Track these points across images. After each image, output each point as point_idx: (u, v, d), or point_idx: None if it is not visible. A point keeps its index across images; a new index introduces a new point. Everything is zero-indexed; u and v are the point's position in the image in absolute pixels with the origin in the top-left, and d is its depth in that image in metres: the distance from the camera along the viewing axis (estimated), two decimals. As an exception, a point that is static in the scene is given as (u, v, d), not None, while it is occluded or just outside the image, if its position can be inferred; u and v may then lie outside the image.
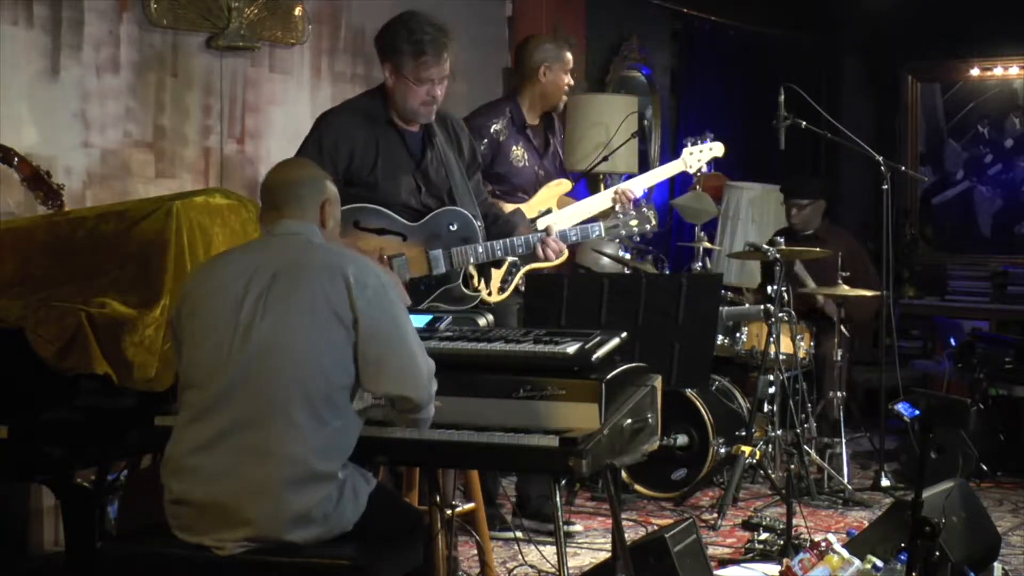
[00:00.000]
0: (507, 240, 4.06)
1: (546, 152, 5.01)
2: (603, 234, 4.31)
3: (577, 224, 4.40)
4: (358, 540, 2.72)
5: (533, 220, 4.59)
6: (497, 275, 4.52)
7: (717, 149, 5.14)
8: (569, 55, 5.04)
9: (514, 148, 4.88)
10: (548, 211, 4.71)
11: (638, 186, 4.92)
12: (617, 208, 4.70)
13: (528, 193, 4.85)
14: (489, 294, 4.42)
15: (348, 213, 3.85)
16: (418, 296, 3.91)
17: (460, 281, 4.00)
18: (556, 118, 5.13)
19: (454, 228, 3.99)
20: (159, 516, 2.78)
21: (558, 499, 3.03)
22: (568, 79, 5.00)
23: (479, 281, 4.11)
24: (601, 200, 4.83)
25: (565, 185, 4.90)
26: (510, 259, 4.42)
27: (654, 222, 4.35)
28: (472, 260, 4.00)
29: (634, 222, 4.31)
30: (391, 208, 3.94)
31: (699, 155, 5.09)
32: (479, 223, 4.03)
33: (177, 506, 2.72)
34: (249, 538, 2.66)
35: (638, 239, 5.06)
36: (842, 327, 5.91)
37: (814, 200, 6.38)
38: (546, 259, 4.14)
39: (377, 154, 3.93)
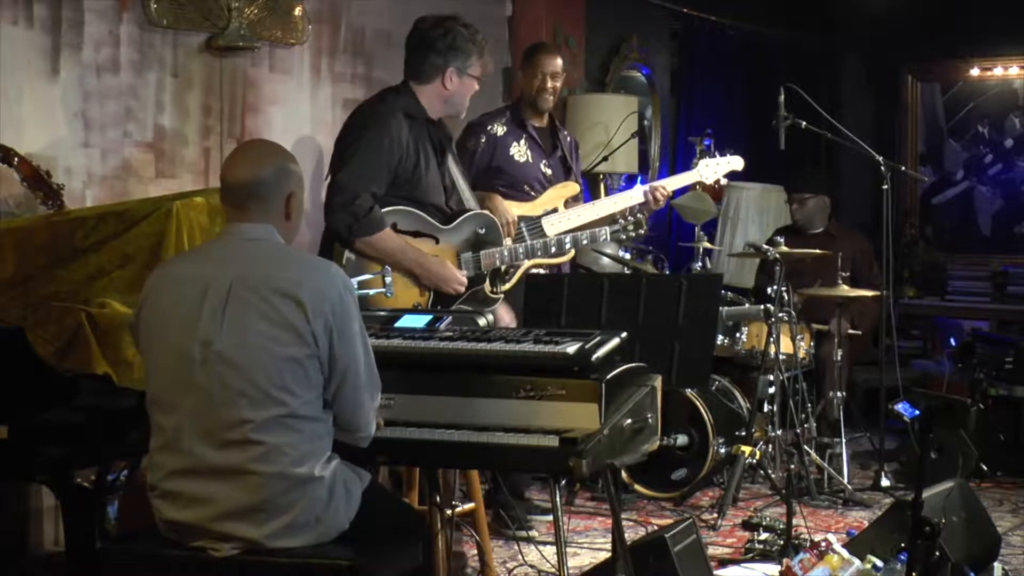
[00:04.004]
0: (528, 244, 4.39)
1: (553, 153, 5.07)
2: (608, 238, 4.65)
3: (587, 228, 4.68)
4: (356, 540, 2.71)
5: (538, 219, 4.65)
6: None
7: (736, 163, 5.15)
8: (544, 58, 5.07)
9: (514, 144, 4.98)
10: (554, 210, 4.74)
11: (674, 184, 5.01)
12: (654, 206, 4.87)
13: (533, 189, 4.90)
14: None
15: (386, 216, 4.00)
16: (448, 299, 4.11)
17: (486, 284, 4.22)
18: (560, 126, 5.21)
19: (482, 231, 4.24)
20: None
21: (558, 499, 3.04)
22: (539, 81, 5.03)
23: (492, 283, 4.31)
24: (611, 204, 4.85)
25: (572, 187, 4.94)
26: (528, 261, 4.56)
27: (644, 228, 4.70)
28: (497, 263, 4.25)
29: (632, 227, 4.63)
30: (423, 208, 4.10)
31: (716, 167, 5.11)
32: (542, 213, 4.35)
33: (168, 524, 2.72)
34: (242, 548, 2.65)
35: (632, 243, 5.27)
36: (849, 331, 5.93)
37: (816, 194, 6.39)
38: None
39: (418, 153, 4.07)
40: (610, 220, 4.75)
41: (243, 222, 2.75)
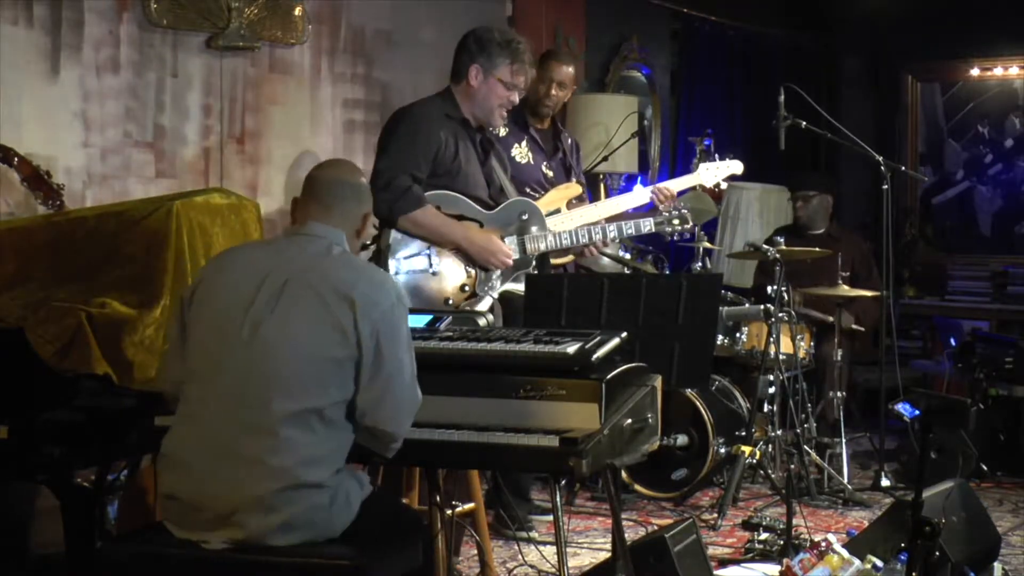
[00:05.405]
0: (573, 231, 4.43)
1: (554, 155, 5.08)
2: (653, 228, 4.59)
3: (628, 219, 4.66)
4: (356, 540, 2.71)
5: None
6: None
7: (735, 167, 5.15)
8: (554, 66, 5.07)
9: (515, 145, 5.00)
10: (557, 211, 4.75)
11: (675, 186, 5.00)
12: (661, 207, 4.80)
13: (535, 190, 4.92)
14: None
15: (430, 199, 4.14)
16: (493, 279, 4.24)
17: (532, 268, 4.31)
18: (561, 128, 5.23)
19: (525, 217, 4.37)
20: (158, 517, 2.78)
21: (558, 499, 3.04)
22: (545, 87, 5.03)
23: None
24: (614, 205, 4.85)
25: (575, 188, 4.95)
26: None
27: (690, 223, 4.66)
28: (542, 247, 4.36)
29: (677, 220, 4.61)
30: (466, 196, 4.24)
31: (716, 171, 5.12)
32: (546, 214, 4.44)
33: (168, 500, 2.73)
34: (233, 539, 2.66)
35: (676, 237, 5.24)
36: (852, 325, 5.94)
37: (820, 192, 6.40)
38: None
39: (456, 148, 4.20)
40: (653, 211, 4.73)
41: (319, 222, 2.83)
